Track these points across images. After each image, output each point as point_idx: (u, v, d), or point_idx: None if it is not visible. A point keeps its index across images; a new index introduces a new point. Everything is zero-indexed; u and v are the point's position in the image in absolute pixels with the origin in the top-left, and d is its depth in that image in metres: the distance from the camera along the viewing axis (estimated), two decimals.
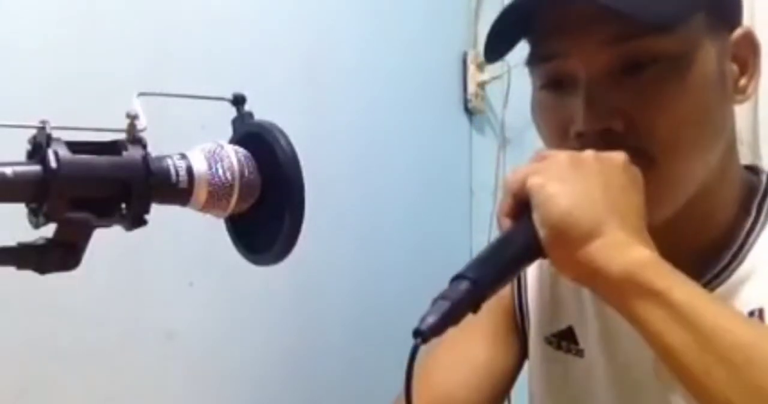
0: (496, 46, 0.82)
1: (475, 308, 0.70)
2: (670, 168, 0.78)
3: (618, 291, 0.70)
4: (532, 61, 0.84)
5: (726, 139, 0.83)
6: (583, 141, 0.78)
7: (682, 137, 0.78)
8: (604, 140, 0.77)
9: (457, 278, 0.70)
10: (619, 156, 0.75)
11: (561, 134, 0.81)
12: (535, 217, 0.72)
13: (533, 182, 0.72)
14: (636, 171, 0.75)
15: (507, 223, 0.75)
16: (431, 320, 0.67)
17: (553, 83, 0.82)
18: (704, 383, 0.67)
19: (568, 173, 0.72)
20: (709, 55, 0.80)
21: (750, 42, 0.84)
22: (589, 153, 0.75)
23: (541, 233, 0.71)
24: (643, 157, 0.76)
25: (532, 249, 0.73)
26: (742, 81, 0.83)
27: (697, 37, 0.79)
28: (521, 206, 0.73)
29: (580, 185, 0.72)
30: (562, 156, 0.75)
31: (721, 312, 0.69)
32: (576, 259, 0.71)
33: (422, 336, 0.67)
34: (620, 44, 0.77)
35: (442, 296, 0.69)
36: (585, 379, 0.92)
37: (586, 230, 0.70)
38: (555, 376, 0.95)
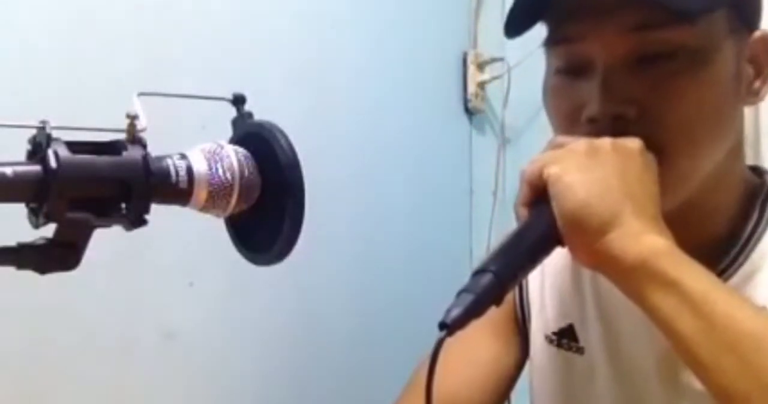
0: (517, 22, 0.81)
1: (497, 301, 0.71)
2: (678, 160, 0.78)
3: (632, 279, 0.71)
4: (550, 42, 0.83)
5: (734, 138, 0.83)
6: (594, 126, 0.78)
7: (692, 130, 0.78)
8: (615, 127, 0.77)
9: (480, 271, 0.71)
10: (634, 143, 0.75)
11: (572, 119, 0.81)
12: (553, 207, 0.73)
13: (550, 171, 0.73)
14: (651, 158, 0.76)
15: (525, 212, 0.75)
16: (455, 313, 0.69)
17: (568, 67, 0.82)
18: (713, 371, 0.68)
19: (584, 162, 0.73)
20: (727, 53, 0.80)
21: (767, 45, 0.83)
22: (605, 141, 0.75)
23: (559, 223, 0.72)
24: (652, 146, 0.76)
25: (550, 238, 0.74)
26: (757, 83, 0.84)
27: (718, 33, 0.79)
28: (539, 195, 0.74)
29: (597, 174, 0.72)
30: (579, 144, 0.75)
31: (733, 302, 0.70)
32: (593, 248, 0.72)
33: (447, 328, 0.68)
34: (641, 32, 0.77)
35: (466, 290, 0.70)
36: (586, 377, 0.92)
37: (603, 221, 0.71)
38: (556, 374, 0.95)
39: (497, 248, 0.75)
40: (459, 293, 0.70)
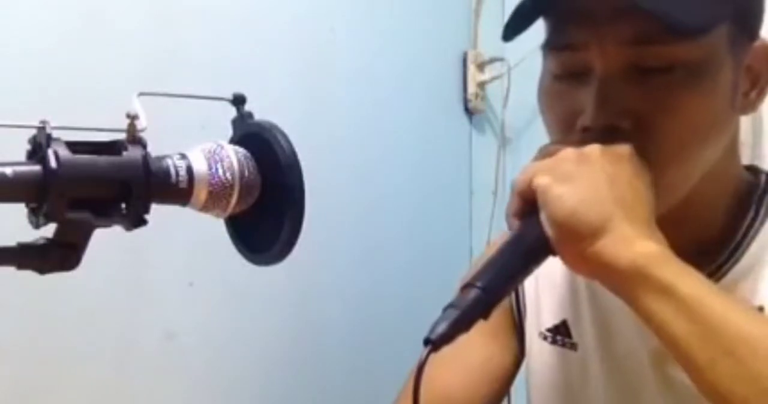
0: (516, 25, 0.80)
1: (485, 315, 0.71)
2: (667, 170, 0.78)
3: (626, 284, 0.71)
4: (548, 46, 0.83)
5: (728, 141, 0.83)
6: (587, 135, 0.78)
7: (684, 143, 0.78)
8: (608, 137, 0.76)
9: (467, 286, 0.71)
10: (624, 149, 0.75)
11: (566, 125, 0.80)
12: (543, 217, 0.72)
13: (539, 182, 0.72)
14: (642, 163, 0.75)
15: (516, 223, 0.75)
16: (441, 328, 0.68)
17: (566, 72, 0.81)
18: (709, 374, 0.67)
19: (573, 171, 0.72)
20: (726, 66, 0.79)
21: (766, 56, 0.83)
22: (594, 148, 0.74)
23: (550, 232, 0.72)
24: (644, 157, 0.76)
25: (542, 248, 0.73)
26: (752, 94, 0.83)
27: (718, 47, 0.78)
28: (529, 205, 0.74)
29: (586, 182, 0.72)
30: (568, 153, 0.74)
31: (727, 305, 0.69)
32: (585, 255, 0.71)
33: (432, 344, 0.68)
34: (641, 45, 0.76)
35: (452, 305, 0.70)
36: (580, 372, 0.92)
37: (594, 227, 0.71)
38: (551, 371, 0.95)
39: (487, 260, 0.74)
40: (445, 309, 0.70)
